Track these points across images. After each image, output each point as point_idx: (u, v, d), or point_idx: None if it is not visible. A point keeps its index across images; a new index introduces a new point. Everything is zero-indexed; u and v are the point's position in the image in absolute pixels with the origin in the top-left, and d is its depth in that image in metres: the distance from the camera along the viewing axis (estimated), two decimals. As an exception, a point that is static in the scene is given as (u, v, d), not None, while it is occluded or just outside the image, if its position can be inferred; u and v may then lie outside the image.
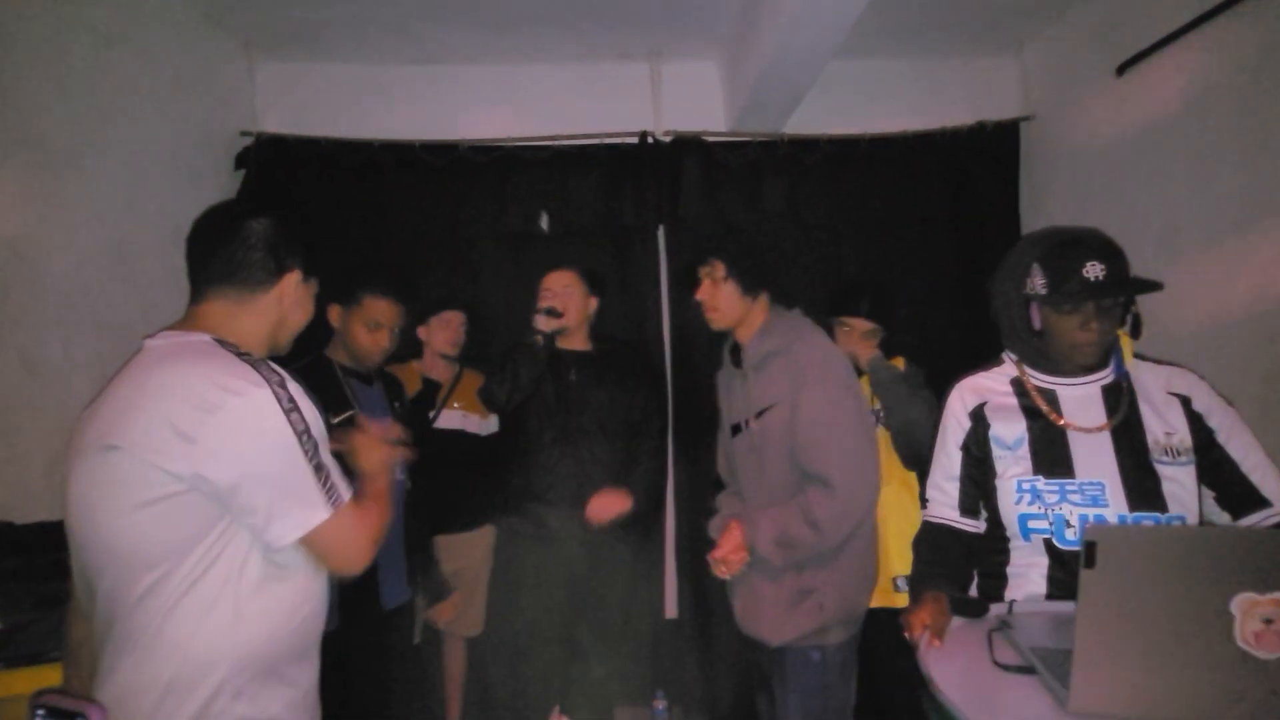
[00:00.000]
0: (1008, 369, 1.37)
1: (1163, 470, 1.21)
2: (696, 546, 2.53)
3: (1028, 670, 1.01)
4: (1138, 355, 1.31)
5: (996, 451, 1.31)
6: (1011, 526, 1.28)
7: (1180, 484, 1.21)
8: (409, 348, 2.35)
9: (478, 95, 2.86)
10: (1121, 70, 2.34)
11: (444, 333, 2.37)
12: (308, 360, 1.81)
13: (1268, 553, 0.87)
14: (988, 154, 2.83)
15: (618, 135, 2.78)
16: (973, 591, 1.36)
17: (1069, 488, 1.24)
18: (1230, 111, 2.00)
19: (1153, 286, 1.22)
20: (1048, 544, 1.24)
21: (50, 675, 1.32)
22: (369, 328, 1.86)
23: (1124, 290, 1.22)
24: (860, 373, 1.98)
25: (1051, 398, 1.30)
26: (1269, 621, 0.85)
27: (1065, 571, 1.23)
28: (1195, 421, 1.23)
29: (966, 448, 1.35)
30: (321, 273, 1.18)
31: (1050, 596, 1.24)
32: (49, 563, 1.44)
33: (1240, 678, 0.85)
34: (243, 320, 1.06)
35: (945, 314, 2.75)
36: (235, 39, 2.67)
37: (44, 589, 1.44)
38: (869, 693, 1.75)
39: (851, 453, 1.48)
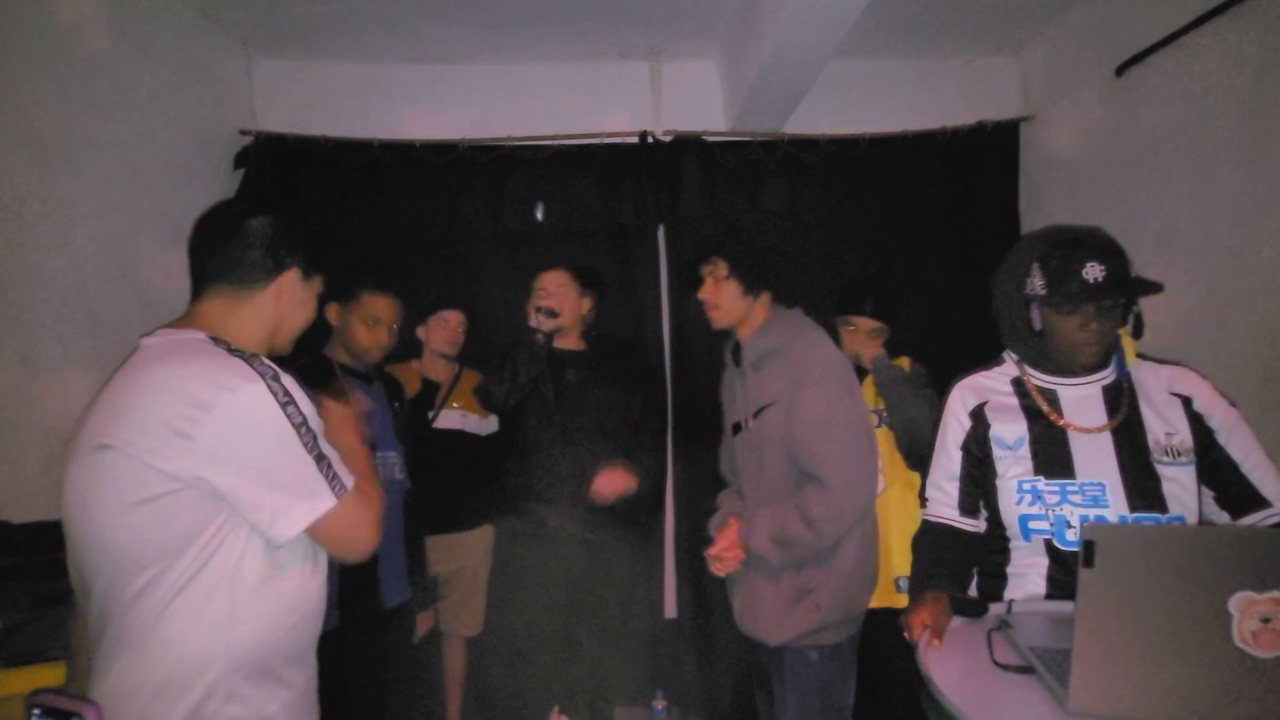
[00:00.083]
0: (1008, 368, 1.37)
1: (1163, 471, 1.21)
2: (696, 546, 2.51)
3: (1027, 670, 1.01)
4: (1140, 355, 1.31)
5: (997, 452, 1.31)
6: (1012, 527, 1.28)
7: (1180, 484, 1.21)
8: (408, 348, 2.35)
9: (477, 94, 2.86)
10: (1121, 70, 2.34)
11: (442, 332, 2.37)
12: (307, 360, 1.81)
13: (1265, 552, 0.88)
14: (987, 154, 2.83)
15: (617, 135, 2.78)
16: (971, 591, 1.37)
17: (1069, 488, 1.24)
18: (1230, 112, 2.00)
19: (1152, 288, 1.22)
20: (1048, 544, 1.24)
21: (47, 675, 1.32)
22: (367, 324, 1.86)
23: (1123, 291, 1.22)
24: (865, 372, 1.98)
25: (1052, 398, 1.30)
26: (1267, 620, 0.85)
27: (1065, 572, 1.23)
28: (1196, 422, 1.23)
29: (966, 447, 1.35)
30: (323, 272, 1.18)
31: (1050, 597, 1.24)
32: (46, 562, 1.44)
33: (1238, 677, 0.86)
34: (238, 317, 1.06)
35: (944, 314, 2.76)
36: (234, 37, 2.67)
37: (41, 588, 1.44)
38: (869, 693, 1.75)
39: (847, 452, 1.48)
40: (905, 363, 2.03)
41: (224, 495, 0.93)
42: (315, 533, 0.98)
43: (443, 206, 2.77)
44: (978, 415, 1.34)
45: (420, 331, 2.39)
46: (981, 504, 1.35)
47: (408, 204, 2.75)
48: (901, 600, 1.89)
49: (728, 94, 2.84)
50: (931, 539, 1.38)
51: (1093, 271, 1.19)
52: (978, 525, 1.36)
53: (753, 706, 1.78)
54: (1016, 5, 2.57)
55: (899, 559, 1.88)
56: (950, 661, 1.07)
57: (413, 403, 2.20)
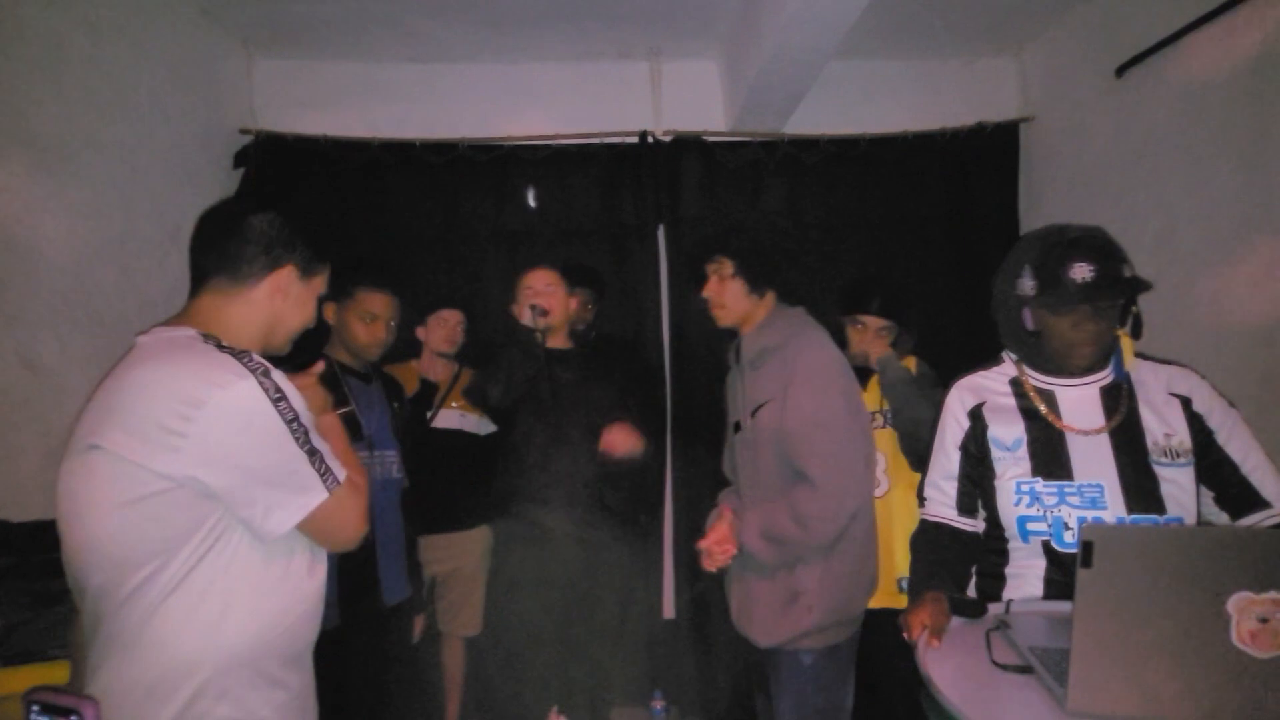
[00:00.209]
0: (1007, 369, 1.36)
1: (1161, 472, 1.21)
2: (694, 547, 2.53)
3: (1026, 670, 1.01)
4: (1139, 355, 1.30)
5: (995, 453, 1.30)
6: (1010, 528, 1.28)
7: (1179, 485, 1.20)
8: (408, 348, 2.35)
9: (477, 93, 2.86)
10: (1121, 71, 2.34)
11: (441, 331, 2.36)
12: (306, 359, 1.81)
13: (1263, 552, 0.88)
14: (987, 155, 2.83)
15: (617, 134, 2.78)
16: (970, 591, 1.36)
17: (1068, 490, 1.23)
18: (1229, 113, 2.00)
19: (1142, 286, 1.21)
20: (1046, 546, 1.24)
21: (47, 673, 1.32)
22: (364, 321, 1.86)
23: (1113, 292, 1.21)
24: (872, 372, 1.98)
25: (1050, 398, 1.30)
26: (1264, 621, 0.85)
27: (1063, 574, 1.22)
28: (1195, 422, 1.23)
29: (965, 447, 1.34)
30: (324, 272, 1.17)
31: (1047, 598, 1.24)
32: (45, 561, 1.44)
33: (1236, 677, 0.86)
34: (230, 313, 1.05)
35: (943, 314, 2.75)
36: (233, 36, 2.67)
37: (40, 587, 1.44)
38: (868, 693, 1.74)
39: (836, 452, 1.46)
40: (912, 363, 2.02)
41: (216, 493, 0.92)
42: (307, 525, 0.98)
43: (442, 206, 2.77)
44: (976, 415, 1.34)
45: (419, 331, 2.39)
46: (980, 504, 1.35)
47: (407, 203, 2.75)
48: (903, 601, 1.87)
49: (728, 94, 2.84)
50: (930, 539, 1.37)
51: (1081, 272, 1.19)
52: (976, 525, 1.35)
53: (751, 707, 1.78)
54: (1016, 6, 2.57)
55: (902, 560, 1.86)
56: (949, 662, 1.07)
57: (412, 402, 2.20)
